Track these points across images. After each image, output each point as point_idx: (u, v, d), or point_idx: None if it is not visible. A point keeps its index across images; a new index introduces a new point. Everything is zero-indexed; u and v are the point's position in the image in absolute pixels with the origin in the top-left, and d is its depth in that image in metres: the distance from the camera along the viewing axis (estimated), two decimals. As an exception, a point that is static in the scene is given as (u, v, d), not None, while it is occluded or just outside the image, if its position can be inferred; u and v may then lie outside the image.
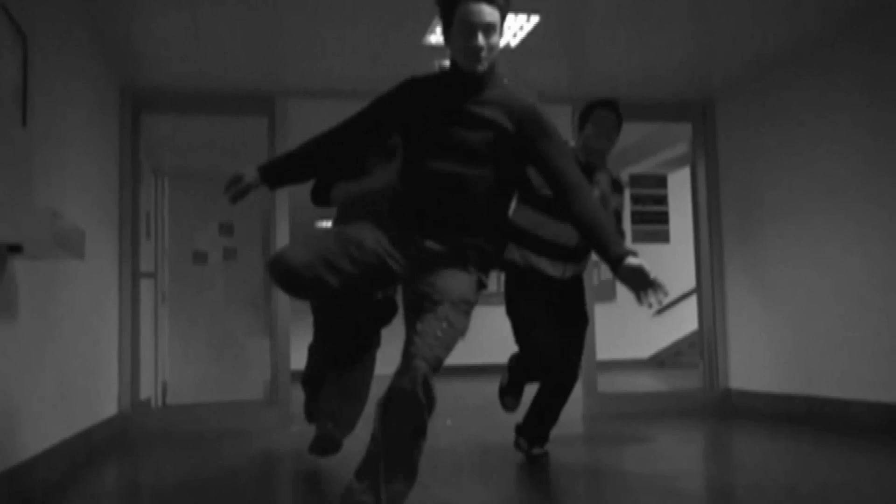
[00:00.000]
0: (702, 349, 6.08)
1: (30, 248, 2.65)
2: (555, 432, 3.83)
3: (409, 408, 2.28)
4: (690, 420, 5.24)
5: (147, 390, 6.57)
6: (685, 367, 10.92)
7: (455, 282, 2.45)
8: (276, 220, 5.47)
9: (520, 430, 3.86)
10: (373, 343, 3.53)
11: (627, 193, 4.20)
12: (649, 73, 5.44)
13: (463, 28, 2.41)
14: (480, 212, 2.52)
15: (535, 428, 3.81)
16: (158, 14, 4.26)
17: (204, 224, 7.92)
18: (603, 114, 3.77)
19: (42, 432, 3.40)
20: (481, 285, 2.57)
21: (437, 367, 2.32)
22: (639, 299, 2.35)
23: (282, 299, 5.44)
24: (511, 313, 3.71)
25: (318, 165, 2.64)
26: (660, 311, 12.64)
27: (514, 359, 3.86)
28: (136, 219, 5.36)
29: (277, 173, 2.61)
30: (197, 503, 3.02)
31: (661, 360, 12.49)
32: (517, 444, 3.85)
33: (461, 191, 2.48)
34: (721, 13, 4.47)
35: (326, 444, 3.51)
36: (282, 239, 5.43)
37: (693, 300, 6.92)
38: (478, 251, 2.54)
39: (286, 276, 2.35)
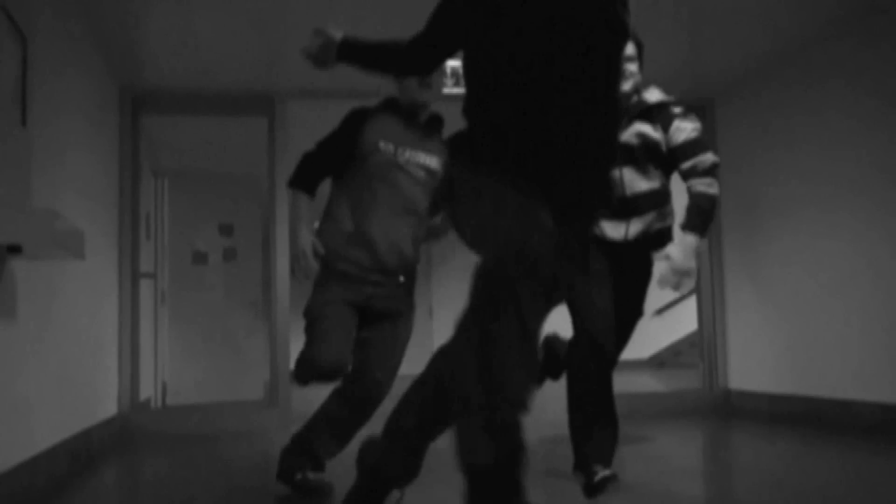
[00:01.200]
0: (701, 349, 6.08)
1: (29, 248, 2.65)
2: (555, 432, 3.82)
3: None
4: (690, 420, 5.24)
5: (147, 390, 6.57)
6: (685, 367, 10.92)
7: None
8: (276, 220, 5.46)
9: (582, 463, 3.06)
10: None
11: (680, 123, 3.37)
12: (649, 74, 5.42)
13: None
14: (607, 170, 1.85)
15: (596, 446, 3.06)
16: (158, 14, 4.26)
17: (204, 224, 7.92)
18: None
19: (42, 432, 3.40)
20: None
21: None
22: None
23: (281, 299, 5.43)
24: None
25: (384, 71, 2.20)
26: (659, 312, 12.64)
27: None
28: (136, 219, 5.36)
29: (352, 56, 2.18)
30: (196, 503, 3.02)
31: (661, 361, 12.49)
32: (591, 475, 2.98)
33: (589, 136, 1.78)
34: (721, 13, 4.47)
35: (324, 489, 3.14)
36: (282, 239, 5.42)
37: (693, 300, 6.94)
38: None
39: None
